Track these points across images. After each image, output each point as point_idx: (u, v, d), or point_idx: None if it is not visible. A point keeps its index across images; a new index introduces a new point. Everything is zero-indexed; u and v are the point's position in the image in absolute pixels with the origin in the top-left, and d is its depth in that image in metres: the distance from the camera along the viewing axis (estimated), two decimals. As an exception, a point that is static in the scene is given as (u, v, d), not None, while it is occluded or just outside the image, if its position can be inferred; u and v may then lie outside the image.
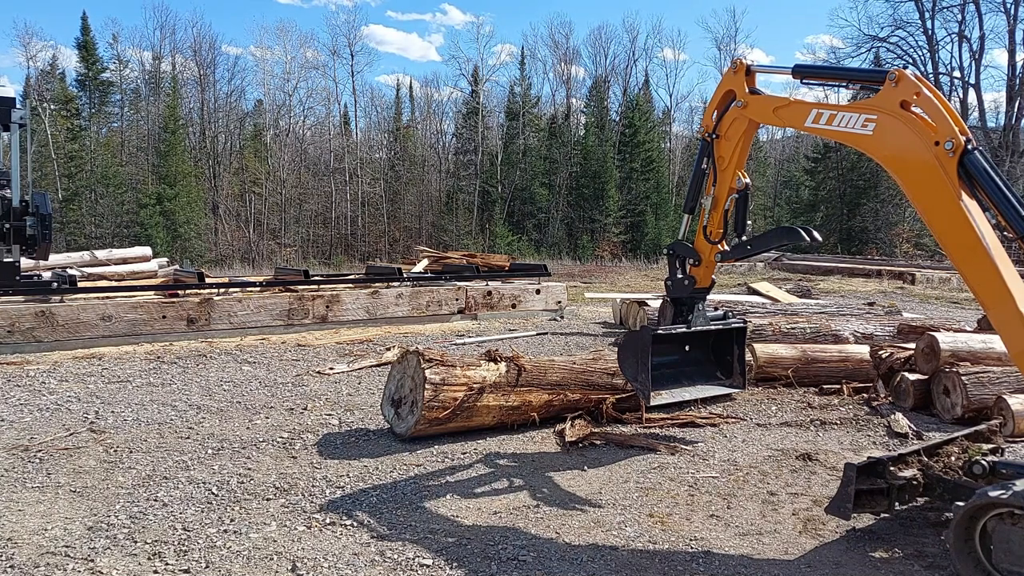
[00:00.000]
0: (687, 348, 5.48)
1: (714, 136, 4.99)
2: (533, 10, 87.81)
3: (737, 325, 5.57)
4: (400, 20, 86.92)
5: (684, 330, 5.25)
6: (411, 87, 55.52)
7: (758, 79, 4.92)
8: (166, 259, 20.07)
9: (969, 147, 3.57)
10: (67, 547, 3.64)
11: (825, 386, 7.20)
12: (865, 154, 4.28)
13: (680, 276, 5.26)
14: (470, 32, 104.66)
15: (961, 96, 38.79)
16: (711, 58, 74.99)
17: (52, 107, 39.21)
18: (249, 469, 4.82)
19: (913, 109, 3.78)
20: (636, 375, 5.11)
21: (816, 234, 4.63)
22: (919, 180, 3.73)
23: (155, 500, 4.26)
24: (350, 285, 12.03)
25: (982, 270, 3.52)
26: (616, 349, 5.57)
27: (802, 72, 4.55)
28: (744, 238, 5.01)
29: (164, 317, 9.46)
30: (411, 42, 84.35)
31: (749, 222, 5.04)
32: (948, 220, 3.62)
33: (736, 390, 5.71)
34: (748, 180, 5.00)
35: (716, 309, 5.64)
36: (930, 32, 39.27)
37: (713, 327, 5.41)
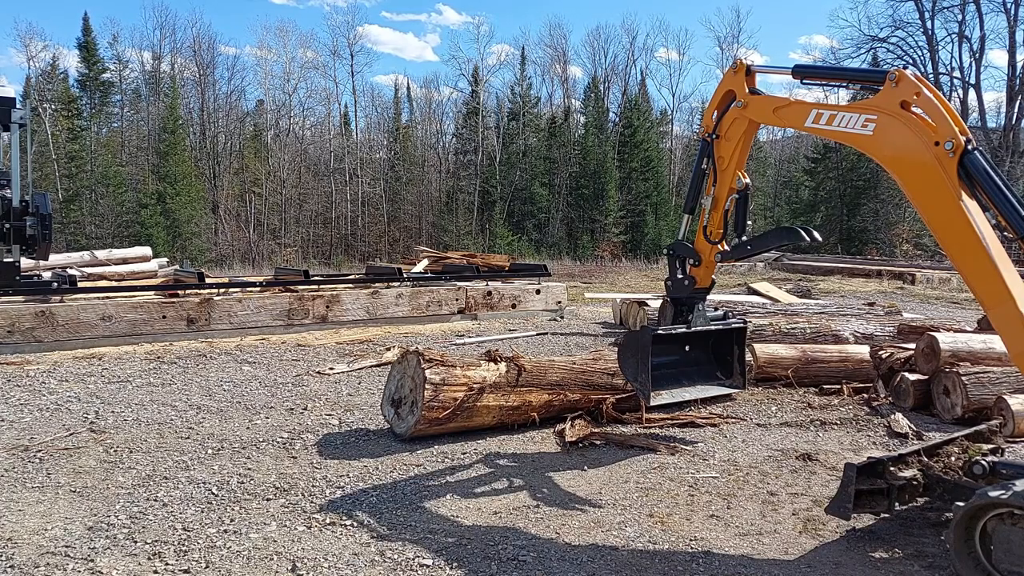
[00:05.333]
0: (687, 348, 5.48)
1: (714, 136, 4.98)
2: (530, 9, 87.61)
3: (737, 325, 5.57)
4: (395, 20, 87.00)
5: (684, 330, 5.25)
6: (408, 87, 55.63)
7: (757, 79, 4.92)
8: (166, 259, 20.08)
9: (969, 147, 3.57)
10: (67, 547, 3.65)
11: (825, 386, 7.20)
12: (865, 154, 4.28)
13: (680, 276, 5.26)
14: (469, 32, 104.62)
15: (961, 96, 38.78)
16: (714, 57, 74.84)
17: (53, 107, 39.23)
18: (249, 469, 4.83)
19: (913, 109, 3.77)
20: (636, 375, 5.11)
21: (816, 234, 4.63)
22: (919, 180, 3.73)
23: (155, 500, 4.27)
24: (350, 285, 12.04)
25: (982, 270, 3.52)
26: (616, 349, 5.57)
27: (802, 72, 4.55)
28: (744, 238, 5.01)
29: (164, 317, 9.46)
30: (407, 42, 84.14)
31: (749, 222, 5.04)
32: (948, 220, 3.62)
33: (736, 390, 5.70)
34: (748, 180, 5.00)
35: (716, 309, 5.64)
36: (930, 32, 39.26)
37: (713, 327, 5.41)
